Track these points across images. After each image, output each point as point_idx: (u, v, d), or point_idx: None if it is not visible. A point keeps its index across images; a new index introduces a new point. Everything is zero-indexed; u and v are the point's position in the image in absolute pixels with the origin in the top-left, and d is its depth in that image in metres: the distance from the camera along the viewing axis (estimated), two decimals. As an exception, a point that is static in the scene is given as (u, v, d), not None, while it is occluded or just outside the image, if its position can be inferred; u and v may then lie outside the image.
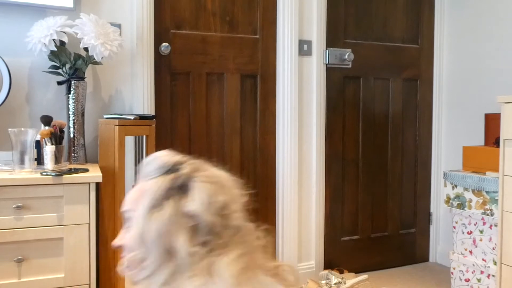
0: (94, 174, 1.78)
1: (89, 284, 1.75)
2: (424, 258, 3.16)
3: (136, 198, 0.85)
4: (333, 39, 2.80)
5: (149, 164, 0.88)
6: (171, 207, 0.80)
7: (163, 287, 0.79)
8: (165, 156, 0.88)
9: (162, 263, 0.80)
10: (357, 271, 2.80)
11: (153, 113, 2.32)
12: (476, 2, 2.85)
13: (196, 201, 0.80)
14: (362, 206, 2.95)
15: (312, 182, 2.74)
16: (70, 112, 2.07)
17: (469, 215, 2.41)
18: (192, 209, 0.80)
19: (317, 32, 2.70)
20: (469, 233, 2.43)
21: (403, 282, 2.76)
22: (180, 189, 0.83)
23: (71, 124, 2.07)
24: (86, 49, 2.03)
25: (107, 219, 1.89)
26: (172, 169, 0.85)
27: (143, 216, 0.81)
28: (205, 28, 2.51)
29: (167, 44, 2.41)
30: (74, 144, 2.07)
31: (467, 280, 2.44)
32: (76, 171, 1.79)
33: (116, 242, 0.88)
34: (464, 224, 2.45)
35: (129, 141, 2.18)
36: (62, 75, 2.08)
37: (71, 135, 2.07)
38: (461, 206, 2.43)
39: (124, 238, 0.86)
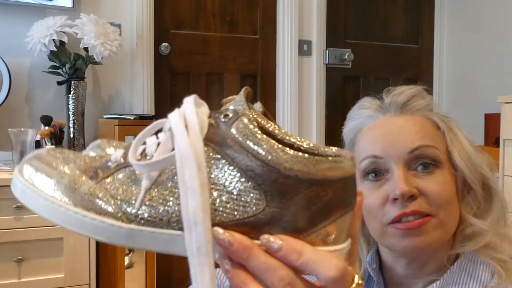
0: (94, 174, 1.78)
1: (89, 284, 1.75)
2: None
3: None
4: (333, 39, 2.80)
5: None
6: None
7: None
8: None
9: None
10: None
11: (153, 113, 2.32)
12: (476, 2, 2.85)
13: None
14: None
15: (312, 182, 2.74)
16: (70, 112, 2.06)
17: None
18: None
19: (317, 32, 2.70)
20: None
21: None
22: None
23: (71, 124, 2.06)
24: (86, 49, 2.03)
25: (107, 219, 1.88)
26: None
27: None
28: (205, 28, 2.51)
29: (167, 44, 2.41)
30: (74, 144, 2.07)
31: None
32: (76, 171, 1.78)
33: None
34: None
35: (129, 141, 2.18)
36: (62, 75, 2.08)
37: (71, 135, 2.07)
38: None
39: None
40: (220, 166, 0.36)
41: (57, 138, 1.88)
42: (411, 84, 0.78)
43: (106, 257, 1.89)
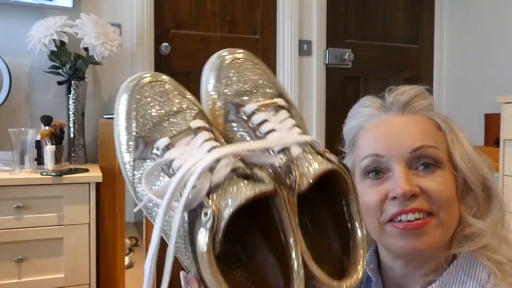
0: (94, 174, 1.78)
1: (89, 284, 1.75)
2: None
3: None
4: (333, 39, 2.80)
5: None
6: None
7: None
8: None
9: None
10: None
11: (153, 113, 2.31)
12: (476, 2, 2.85)
13: None
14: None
15: (312, 182, 2.73)
16: (70, 112, 2.07)
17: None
18: None
19: (317, 32, 2.70)
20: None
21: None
22: None
23: (71, 124, 2.07)
24: (86, 49, 2.03)
25: (107, 219, 1.89)
26: None
27: None
28: (205, 28, 2.51)
29: (167, 44, 2.41)
30: (74, 144, 2.07)
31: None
32: (76, 171, 1.79)
33: None
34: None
35: (129, 141, 2.18)
36: (62, 75, 2.08)
37: (71, 135, 2.07)
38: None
39: None
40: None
41: (57, 138, 1.88)
42: (411, 84, 0.77)
43: (106, 257, 1.89)
